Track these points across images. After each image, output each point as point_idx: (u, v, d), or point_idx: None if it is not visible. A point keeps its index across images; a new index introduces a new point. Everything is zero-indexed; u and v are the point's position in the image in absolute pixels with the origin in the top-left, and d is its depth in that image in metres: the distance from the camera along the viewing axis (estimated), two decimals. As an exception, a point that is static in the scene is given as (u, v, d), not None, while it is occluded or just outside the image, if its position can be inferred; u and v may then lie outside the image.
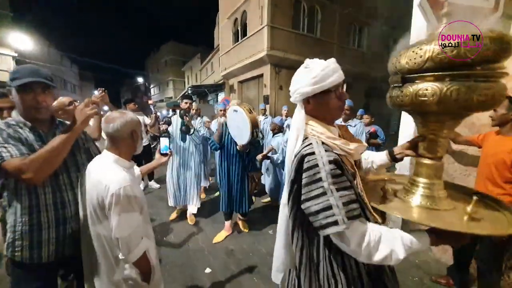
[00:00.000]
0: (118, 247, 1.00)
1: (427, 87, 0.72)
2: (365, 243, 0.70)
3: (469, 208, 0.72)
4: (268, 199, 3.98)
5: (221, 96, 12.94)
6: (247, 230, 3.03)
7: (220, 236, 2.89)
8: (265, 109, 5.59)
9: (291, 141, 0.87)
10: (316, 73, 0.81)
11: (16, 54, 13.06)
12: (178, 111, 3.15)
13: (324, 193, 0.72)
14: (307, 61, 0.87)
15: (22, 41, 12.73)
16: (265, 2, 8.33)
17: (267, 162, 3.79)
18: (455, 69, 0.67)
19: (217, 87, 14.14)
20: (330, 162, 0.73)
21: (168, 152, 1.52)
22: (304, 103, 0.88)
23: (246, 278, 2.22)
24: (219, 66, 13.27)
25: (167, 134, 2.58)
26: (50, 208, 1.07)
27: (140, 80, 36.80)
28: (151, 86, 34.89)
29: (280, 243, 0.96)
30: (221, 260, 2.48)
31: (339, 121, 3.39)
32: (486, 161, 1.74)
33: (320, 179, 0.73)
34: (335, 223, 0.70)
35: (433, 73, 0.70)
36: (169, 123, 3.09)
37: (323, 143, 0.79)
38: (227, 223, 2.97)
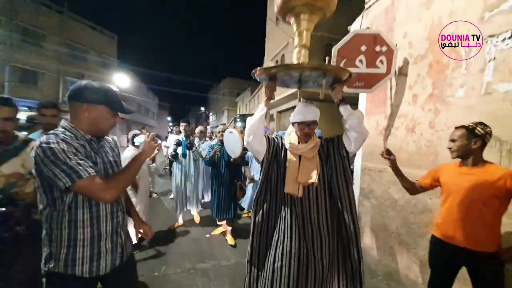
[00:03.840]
0: None
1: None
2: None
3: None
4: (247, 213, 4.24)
5: (263, 124, 14.53)
6: (233, 243, 3.27)
7: (217, 230, 3.56)
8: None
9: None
10: (294, 112, 1.59)
11: (118, 90, 17.64)
12: (183, 132, 3.89)
13: None
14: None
15: (123, 79, 16.76)
16: (298, 47, 9.89)
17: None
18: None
19: (260, 116, 15.93)
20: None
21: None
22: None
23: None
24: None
25: (175, 154, 3.60)
26: (108, 218, 1.07)
27: (202, 109, 42.65)
28: (210, 113, 39.65)
29: None
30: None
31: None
32: (460, 198, 1.47)
33: None
34: None
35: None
36: (179, 144, 3.68)
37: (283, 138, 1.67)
38: (223, 223, 3.53)
